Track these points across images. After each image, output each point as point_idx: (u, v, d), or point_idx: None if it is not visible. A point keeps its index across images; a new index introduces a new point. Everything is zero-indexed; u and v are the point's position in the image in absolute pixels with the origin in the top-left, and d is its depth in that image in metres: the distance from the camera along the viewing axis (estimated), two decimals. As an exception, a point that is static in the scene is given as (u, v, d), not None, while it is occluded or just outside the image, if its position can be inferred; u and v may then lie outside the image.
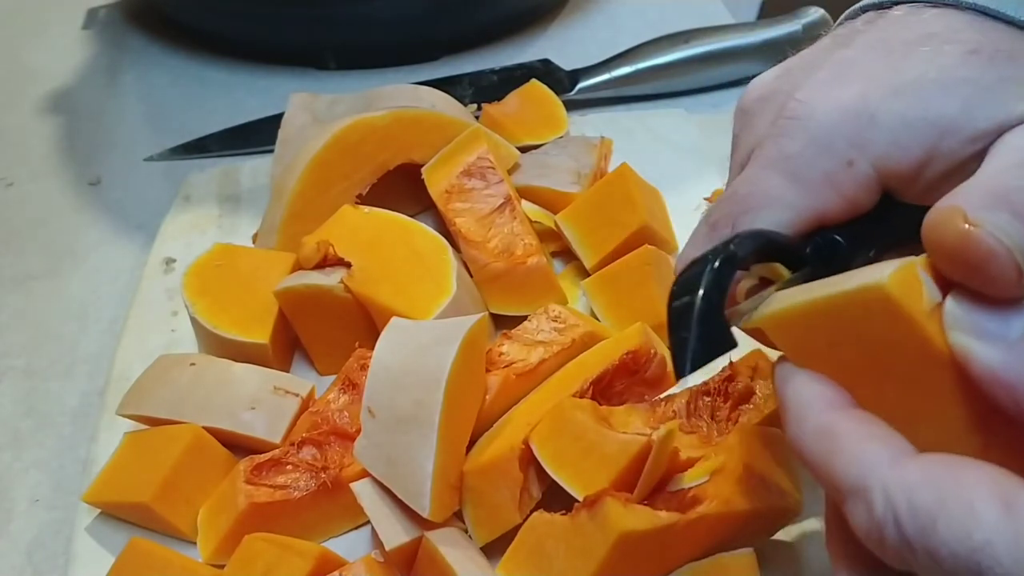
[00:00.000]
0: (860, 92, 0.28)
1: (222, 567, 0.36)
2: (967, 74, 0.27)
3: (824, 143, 0.28)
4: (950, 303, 0.23)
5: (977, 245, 0.22)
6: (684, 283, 0.25)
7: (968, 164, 0.27)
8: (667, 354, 0.41)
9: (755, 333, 0.28)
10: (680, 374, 0.24)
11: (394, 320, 0.40)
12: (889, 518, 0.22)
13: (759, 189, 0.29)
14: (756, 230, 0.27)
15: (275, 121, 0.57)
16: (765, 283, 0.29)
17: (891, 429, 0.24)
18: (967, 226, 0.22)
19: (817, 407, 0.25)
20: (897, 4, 0.31)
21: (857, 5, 0.33)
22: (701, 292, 0.24)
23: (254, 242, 0.51)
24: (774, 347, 0.27)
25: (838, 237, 0.29)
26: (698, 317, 0.24)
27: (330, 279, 0.44)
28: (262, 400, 0.41)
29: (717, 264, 0.25)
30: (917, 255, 0.24)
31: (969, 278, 0.23)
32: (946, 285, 0.24)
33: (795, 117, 0.29)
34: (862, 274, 0.24)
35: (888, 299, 0.23)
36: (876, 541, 0.22)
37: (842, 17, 0.34)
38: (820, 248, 0.28)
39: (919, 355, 0.23)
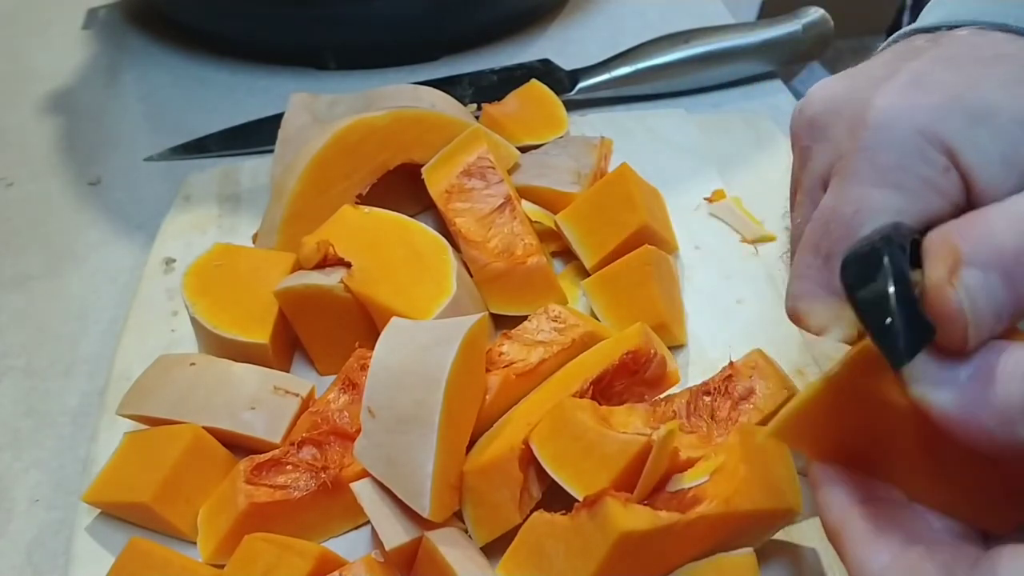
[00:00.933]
0: (941, 103, 0.28)
1: (222, 567, 0.36)
2: None
3: (918, 151, 0.28)
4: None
5: (942, 302, 0.23)
6: (859, 274, 0.25)
7: None
8: (667, 354, 0.41)
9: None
10: (899, 363, 0.24)
11: (394, 320, 0.40)
12: None
13: (865, 205, 0.29)
14: (893, 222, 0.27)
15: (275, 121, 0.57)
16: None
17: (890, 520, 0.27)
18: (943, 277, 0.23)
19: (834, 507, 0.28)
20: (959, 27, 0.31)
21: (906, 28, 0.34)
22: (890, 279, 0.24)
23: (254, 242, 0.51)
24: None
25: None
26: (897, 302, 0.24)
27: (330, 279, 0.44)
28: (262, 400, 0.41)
29: (890, 251, 0.24)
30: None
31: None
32: None
33: (881, 127, 0.29)
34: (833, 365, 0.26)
35: (851, 384, 0.25)
36: None
37: (889, 41, 0.34)
38: None
39: (895, 419, 0.26)
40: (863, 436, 0.27)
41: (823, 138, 0.32)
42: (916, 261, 0.27)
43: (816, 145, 0.32)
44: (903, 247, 0.25)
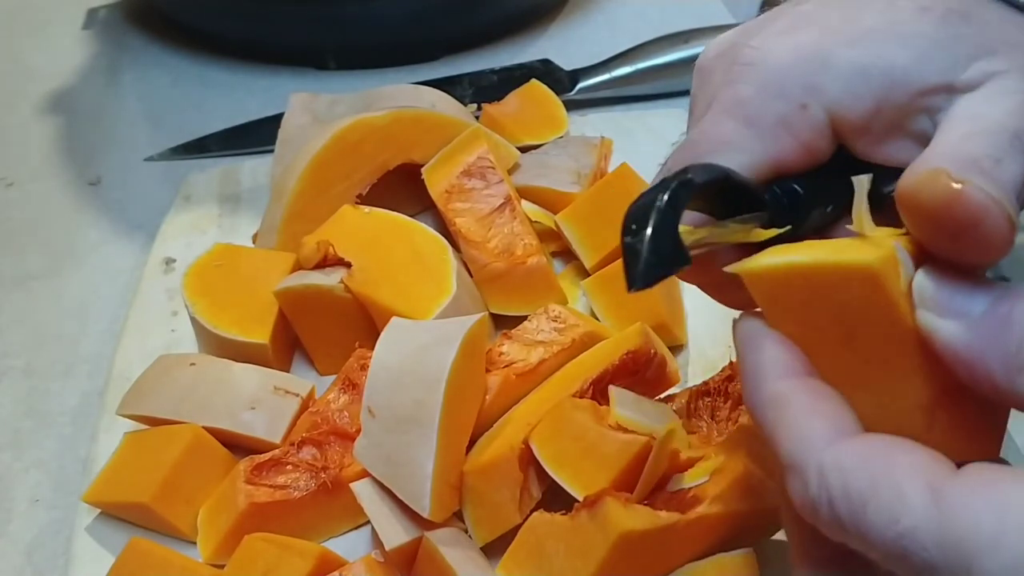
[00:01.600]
0: (815, 39, 0.29)
1: (222, 567, 0.36)
2: (920, 29, 0.28)
3: (778, 86, 0.28)
4: (918, 281, 0.23)
5: (968, 202, 0.22)
6: (640, 203, 0.25)
7: (914, 118, 0.28)
8: (667, 354, 0.41)
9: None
10: (631, 286, 0.24)
11: (394, 320, 0.40)
12: (823, 498, 0.22)
13: (714, 135, 0.29)
14: (712, 163, 0.27)
15: (275, 121, 0.57)
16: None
17: (840, 404, 0.24)
18: (955, 184, 0.22)
19: (773, 373, 0.25)
20: None
21: None
22: (657, 207, 0.24)
23: (254, 242, 0.51)
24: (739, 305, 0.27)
25: (796, 187, 0.29)
26: (653, 231, 0.24)
27: (330, 279, 0.44)
28: (262, 400, 0.41)
29: (674, 185, 0.25)
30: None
31: (955, 240, 0.23)
32: (918, 258, 0.24)
33: (749, 63, 0.29)
34: (850, 247, 0.24)
35: (874, 279, 0.23)
36: (810, 516, 0.23)
37: None
38: (778, 196, 0.28)
39: (888, 328, 0.24)
40: (831, 325, 0.25)
41: (706, 82, 0.32)
42: (739, 205, 0.27)
43: (699, 91, 0.33)
44: (691, 186, 0.25)
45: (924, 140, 0.27)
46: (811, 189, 0.29)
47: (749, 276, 0.26)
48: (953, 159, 0.24)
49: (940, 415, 0.24)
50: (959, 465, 0.22)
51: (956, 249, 0.23)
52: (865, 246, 0.24)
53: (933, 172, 0.23)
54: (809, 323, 0.25)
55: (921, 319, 0.23)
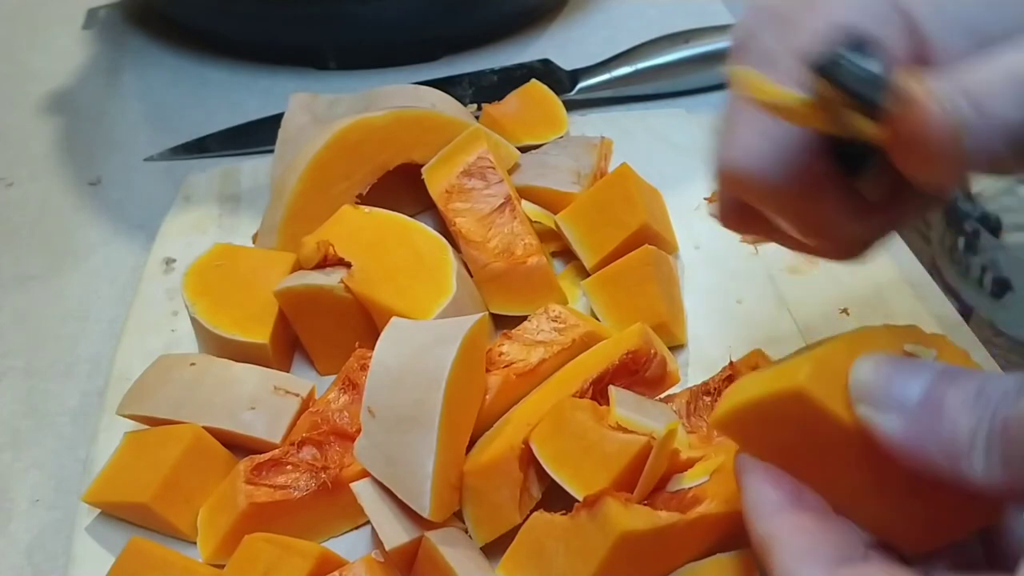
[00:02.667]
0: None
1: (222, 567, 0.36)
2: None
3: (872, 10, 0.27)
4: (854, 375, 0.25)
5: (924, 105, 0.23)
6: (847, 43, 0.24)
7: None
8: (667, 354, 0.41)
9: None
10: (874, 99, 0.23)
11: (394, 320, 0.40)
12: None
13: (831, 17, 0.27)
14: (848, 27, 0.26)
15: (275, 121, 0.57)
16: None
17: (823, 535, 0.26)
18: (919, 86, 0.23)
19: (765, 510, 0.27)
20: None
21: None
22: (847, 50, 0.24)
23: (254, 242, 0.51)
24: None
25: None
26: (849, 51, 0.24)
27: (330, 279, 0.44)
28: (262, 400, 0.41)
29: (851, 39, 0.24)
30: None
31: (907, 141, 0.23)
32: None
33: None
34: (785, 371, 0.26)
35: (802, 397, 0.25)
36: None
37: None
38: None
39: (838, 434, 0.25)
40: (799, 442, 0.27)
41: (770, 22, 0.29)
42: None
43: (762, 30, 0.29)
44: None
45: None
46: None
47: (716, 424, 0.29)
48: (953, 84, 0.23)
49: (908, 495, 0.26)
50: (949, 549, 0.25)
51: (911, 154, 0.24)
52: (797, 366, 0.26)
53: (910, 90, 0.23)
54: (779, 448, 0.27)
55: (861, 415, 0.24)
